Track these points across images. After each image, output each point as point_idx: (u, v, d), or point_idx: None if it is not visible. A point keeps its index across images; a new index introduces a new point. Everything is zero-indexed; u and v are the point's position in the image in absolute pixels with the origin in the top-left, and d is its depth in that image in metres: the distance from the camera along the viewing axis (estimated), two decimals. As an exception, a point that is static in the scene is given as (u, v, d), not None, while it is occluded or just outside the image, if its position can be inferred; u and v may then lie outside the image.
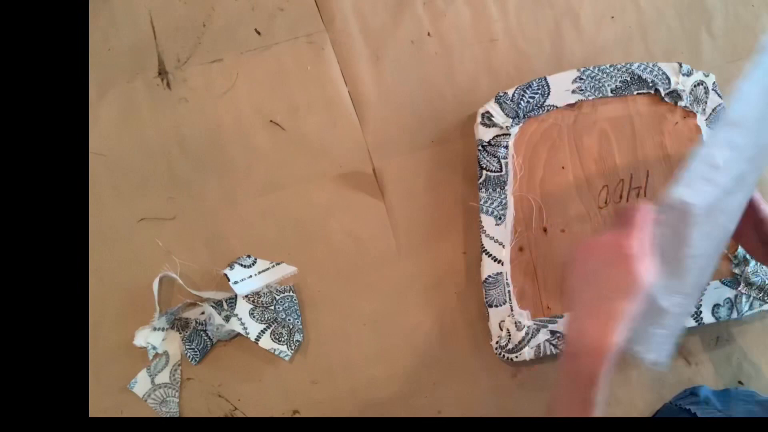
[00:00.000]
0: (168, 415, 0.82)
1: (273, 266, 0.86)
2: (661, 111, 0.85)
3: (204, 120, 0.89)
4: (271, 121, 0.89)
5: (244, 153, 0.88)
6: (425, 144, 0.89)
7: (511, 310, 0.82)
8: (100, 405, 0.82)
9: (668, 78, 0.85)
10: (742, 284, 0.81)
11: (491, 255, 0.82)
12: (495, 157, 0.84)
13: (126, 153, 0.88)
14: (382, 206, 0.88)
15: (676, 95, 0.85)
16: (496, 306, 0.82)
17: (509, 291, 0.82)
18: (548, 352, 0.81)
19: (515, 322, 0.81)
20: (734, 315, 0.81)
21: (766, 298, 0.81)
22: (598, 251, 0.47)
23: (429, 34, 0.92)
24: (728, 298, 0.81)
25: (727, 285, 0.81)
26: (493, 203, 0.83)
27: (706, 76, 0.85)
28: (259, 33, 0.91)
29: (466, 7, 0.93)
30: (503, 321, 0.81)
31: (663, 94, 0.85)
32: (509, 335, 0.81)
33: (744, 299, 0.81)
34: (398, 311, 0.85)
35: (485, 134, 0.84)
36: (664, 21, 0.94)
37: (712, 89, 0.85)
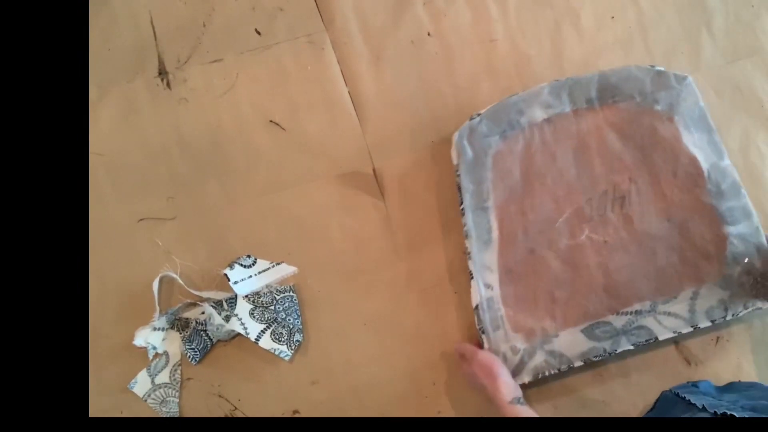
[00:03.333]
0: (168, 415, 0.82)
1: (273, 266, 0.86)
2: (638, 116, 0.84)
3: (204, 120, 0.89)
4: (271, 121, 0.89)
5: (244, 153, 0.88)
6: (425, 144, 0.89)
7: (506, 335, 0.80)
8: (100, 405, 0.82)
9: (642, 82, 0.84)
10: (735, 284, 0.80)
11: (480, 280, 0.81)
12: (477, 175, 0.82)
13: (126, 153, 0.88)
14: (382, 206, 0.88)
15: (652, 99, 0.84)
16: (491, 331, 0.80)
17: (501, 315, 0.81)
18: (546, 373, 0.79)
19: (510, 347, 0.80)
20: (729, 316, 0.80)
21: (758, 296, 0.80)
22: (476, 370, 0.76)
23: (429, 34, 0.92)
24: (721, 299, 0.81)
25: (719, 286, 0.81)
26: (476, 227, 0.82)
27: (682, 76, 0.84)
28: (259, 33, 0.91)
29: (466, 7, 0.93)
30: (498, 346, 0.80)
31: (638, 100, 0.84)
32: (505, 360, 0.79)
33: (737, 300, 0.80)
34: (398, 311, 0.85)
35: (466, 153, 0.82)
36: (664, 21, 0.94)
37: (689, 89, 0.84)
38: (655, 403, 0.82)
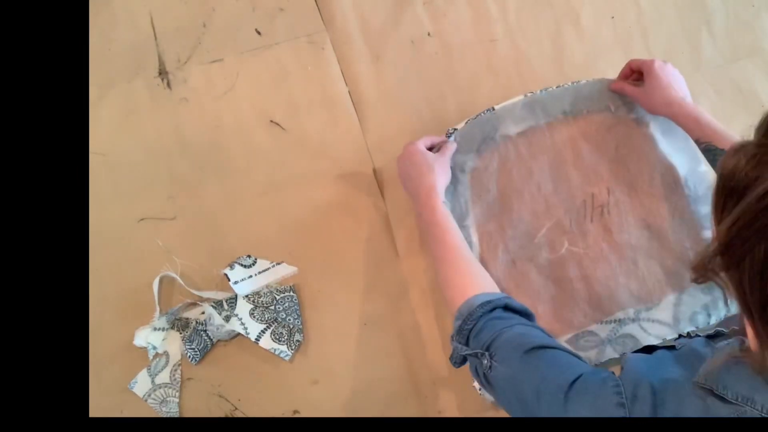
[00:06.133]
0: (168, 415, 0.82)
1: (273, 266, 0.86)
2: (613, 125, 0.84)
3: (204, 120, 0.89)
4: (271, 121, 0.89)
5: (244, 153, 0.88)
6: (425, 144, 0.89)
7: None
8: (100, 405, 0.82)
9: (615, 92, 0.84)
10: (716, 288, 0.79)
11: None
12: (454, 194, 0.82)
13: (126, 153, 0.88)
14: (382, 206, 0.88)
15: (626, 108, 0.84)
16: None
17: None
18: None
19: None
20: (712, 320, 0.79)
21: None
22: (399, 161, 0.81)
23: (429, 34, 0.92)
24: (704, 304, 0.79)
25: (701, 292, 0.79)
26: None
27: None
28: (259, 33, 0.91)
29: (466, 7, 0.93)
30: None
31: (613, 109, 0.84)
32: None
33: (720, 303, 0.79)
34: (398, 311, 0.85)
35: None
36: (664, 21, 0.94)
37: None
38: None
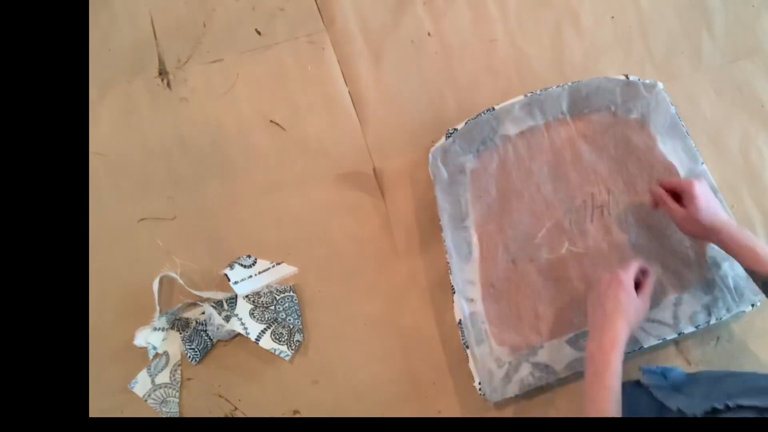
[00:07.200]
0: (168, 415, 0.82)
1: (273, 266, 0.86)
2: (613, 125, 0.84)
3: (204, 120, 0.89)
4: (271, 121, 0.89)
5: (244, 153, 0.88)
6: (425, 144, 0.89)
7: (490, 349, 0.79)
8: (100, 405, 0.82)
9: (612, 93, 0.84)
10: (717, 288, 0.79)
11: (463, 295, 0.80)
12: (453, 195, 0.82)
13: (126, 153, 0.88)
14: (382, 206, 0.88)
15: (625, 109, 0.84)
16: (475, 346, 0.79)
17: (485, 329, 0.80)
18: (533, 386, 0.78)
19: (495, 359, 0.79)
20: (712, 320, 0.79)
21: (741, 299, 0.80)
22: (603, 283, 0.71)
23: (429, 34, 0.92)
24: (704, 304, 0.79)
25: (702, 291, 0.79)
26: (456, 246, 0.82)
27: (651, 85, 0.84)
28: (259, 33, 0.91)
29: (466, 7, 0.93)
30: (484, 360, 0.78)
31: (613, 109, 0.84)
32: (491, 374, 0.78)
33: (720, 303, 0.79)
34: (398, 311, 0.85)
35: (441, 173, 0.83)
36: (664, 21, 0.94)
37: (660, 97, 0.84)
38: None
